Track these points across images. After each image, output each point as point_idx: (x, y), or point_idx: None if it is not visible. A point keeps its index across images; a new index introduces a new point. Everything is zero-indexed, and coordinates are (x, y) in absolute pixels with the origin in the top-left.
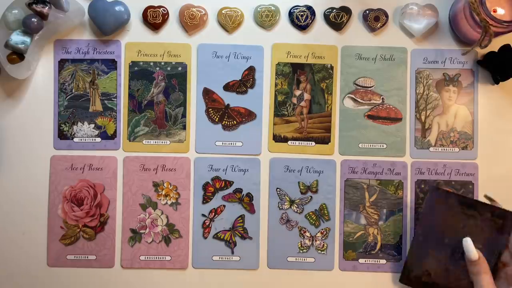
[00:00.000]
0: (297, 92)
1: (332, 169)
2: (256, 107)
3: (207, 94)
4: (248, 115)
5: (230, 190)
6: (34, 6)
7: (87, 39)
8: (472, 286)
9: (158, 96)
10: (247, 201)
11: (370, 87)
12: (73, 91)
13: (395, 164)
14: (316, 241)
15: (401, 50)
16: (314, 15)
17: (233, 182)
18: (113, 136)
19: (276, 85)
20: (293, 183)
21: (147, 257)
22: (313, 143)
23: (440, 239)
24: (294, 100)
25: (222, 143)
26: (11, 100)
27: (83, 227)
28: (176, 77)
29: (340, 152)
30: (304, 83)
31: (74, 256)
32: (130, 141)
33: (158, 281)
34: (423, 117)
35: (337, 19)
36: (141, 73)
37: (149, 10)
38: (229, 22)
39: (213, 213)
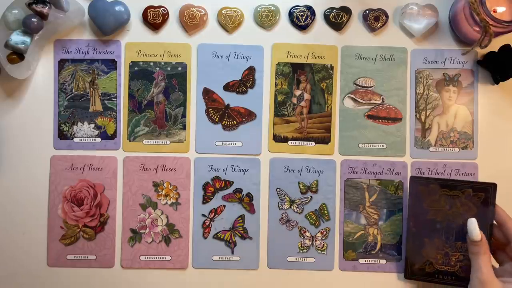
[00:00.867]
0: (297, 92)
1: (332, 169)
2: (256, 107)
3: (207, 94)
4: (248, 115)
5: (230, 190)
6: (34, 6)
7: (87, 39)
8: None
9: (158, 96)
10: (247, 201)
11: (370, 87)
12: (73, 91)
13: (395, 164)
14: (316, 241)
15: (401, 50)
16: (314, 15)
17: (233, 182)
18: (113, 136)
19: (276, 85)
20: (293, 183)
21: (147, 257)
22: (313, 143)
23: (432, 226)
24: (294, 100)
25: (222, 143)
26: (11, 100)
27: (83, 227)
28: (176, 77)
29: (340, 152)
30: (304, 83)
31: (74, 256)
32: (130, 141)
33: (158, 281)
34: (423, 117)
35: (337, 19)
36: (141, 73)
37: (149, 10)
38: (229, 22)
39: (213, 213)
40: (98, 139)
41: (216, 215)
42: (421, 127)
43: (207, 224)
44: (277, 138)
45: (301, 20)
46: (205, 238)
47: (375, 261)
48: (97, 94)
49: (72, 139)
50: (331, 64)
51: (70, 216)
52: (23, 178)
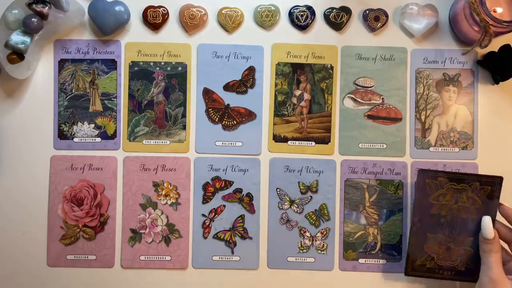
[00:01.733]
0: (297, 92)
1: (332, 169)
2: (256, 107)
3: (207, 94)
4: (248, 115)
5: (230, 190)
6: (34, 6)
7: (87, 39)
8: (472, 256)
9: (158, 96)
10: (247, 201)
11: (370, 87)
12: (73, 91)
13: (395, 164)
14: (316, 241)
15: (401, 50)
16: (314, 15)
17: (233, 182)
18: (113, 136)
19: (276, 85)
20: (293, 183)
21: (147, 257)
22: (313, 143)
23: (436, 220)
24: (294, 100)
25: (222, 143)
26: (11, 100)
27: (83, 227)
28: (176, 77)
29: (340, 152)
30: (304, 83)
31: (74, 256)
32: (130, 141)
33: (158, 281)
34: (423, 117)
35: (337, 19)
36: (141, 73)
37: (149, 10)
38: (229, 22)
39: (213, 213)
40: (98, 139)
41: (216, 215)
42: (421, 127)
43: (207, 224)
44: (277, 138)
45: (301, 20)
46: (205, 238)
47: (375, 261)
48: (97, 94)
49: (72, 139)
50: (331, 64)
51: (70, 216)
52: (23, 178)
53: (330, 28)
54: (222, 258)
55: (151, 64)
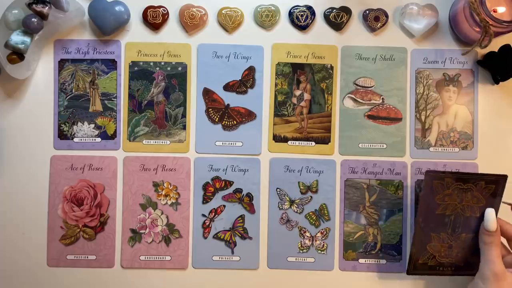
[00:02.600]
0: (297, 92)
1: (332, 169)
2: (256, 107)
3: (207, 94)
4: (248, 115)
5: (230, 190)
6: (34, 6)
7: (87, 39)
8: (472, 251)
9: (158, 96)
10: (247, 201)
11: (370, 87)
12: (73, 91)
13: (395, 164)
14: (316, 241)
15: (401, 50)
16: (314, 15)
17: (233, 182)
18: (113, 136)
19: (276, 85)
20: (293, 183)
21: (147, 257)
22: (313, 143)
23: (440, 220)
24: (294, 100)
25: (222, 143)
26: (11, 100)
27: (83, 227)
28: (176, 77)
29: (340, 152)
30: (304, 83)
31: (74, 256)
32: (130, 141)
33: (158, 281)
34: (423, 117)
35: (337, 19)
36: (141, 73)
37: (149, 10)
38: (229, 22)
39: (213, 213)
40: (98, 139)
41: (216, 215)
42: (421, 127)
43: (207, 224)
44: (277, 138)
45: (301, 20)
46: (205, 238)
47: (375, 261)
48: (97, 94)
49: (72, 139)
50: (331, 64)
51: (70, 216)
52: (23, 178)
53: (330, 28)
54: (222, 258)
55: (151, 64)
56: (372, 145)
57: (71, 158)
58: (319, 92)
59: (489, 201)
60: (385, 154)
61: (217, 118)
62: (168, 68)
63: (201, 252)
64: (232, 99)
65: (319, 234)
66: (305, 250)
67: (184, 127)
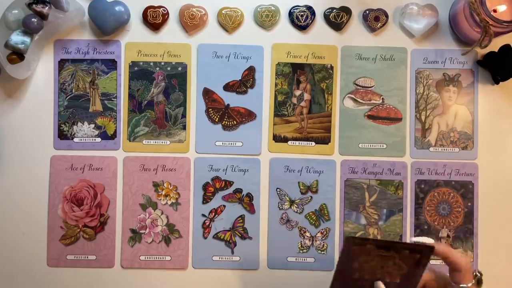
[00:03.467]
0: (297, 92)
1: (332, 169)
2: (256, 107)
3: (207, 94)
4: (248, 115)
5: (230, 190)
6: (34, 6)
7: (87, 39)
8: None
9: (158, 96)
10: (247, 201)
11: (370, 87)
12: (73, 91)
13: (395, 164)
14: (316, 241)
15: (401, 50)
16: (314, 15)
17: (233, 182)
18: (113, 136)
19: (276, 85)
20: (293, 183)
21: (147, 257)
22: (313, 143)
23: (358, 284)
24: (294, 100)
25: (222, 143)
26: (11, 100)
27: (83, 227)
28: (176, 77)
29: (340, 152)
30: (304, 83)
31: (74, 256)
32: (130, 141)
33: (158, 281)
34: (423, 117)
35: (337, 19)
36: (141, 73)
37: (149, 10)
38: (229, 22)
39: (213, 213)
40: (98, 139)
41: (216, 215)
42: (421, 127)
43: (207, 224)
44: (277, 138)
45: (301, 20)
46: (205, 238)
47: None
48: (97, 94)
49: (72, 139)
50: (331, 64)
51: (70, 216)
52: (23, 178)
53: (330, 28)
54: (222, 258)
55: (151, 64)
56: (372, 145)
57: (71, 158)
58: (319, 92)
59: (411, 270)
60: (385, 154)
61: (217, 118)
62: (168, 68)
63: (201, 252)
64: (232, 99)
65: (319, 234)
66: (305, 250)
67: (184, 127)
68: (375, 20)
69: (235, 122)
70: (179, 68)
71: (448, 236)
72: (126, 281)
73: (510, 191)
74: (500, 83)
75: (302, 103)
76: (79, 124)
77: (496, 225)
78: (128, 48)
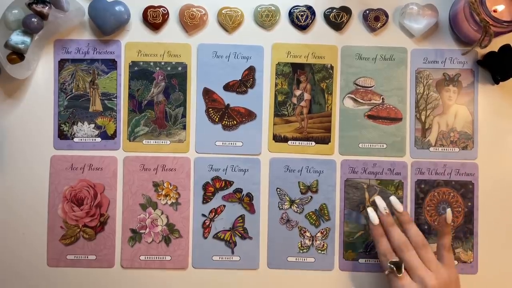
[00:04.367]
0: (297, 92)
1: (332, 169)
2: (256, 107)
3: (207, 94)
4: (248, 115)
5: (230, 190)
6: (34, 6)
7: (87, 39)
8: None
9: (158, 96)
10: (247, 201)
11: (370, 87)
12: (73, 91)
13: (395, 164)
14: (316, 241)
15: (401, 50)
16: (314, 15)
17: (233, 182)
18: (113, 136)
19: (276, 85)
20: (293, 183)
21: (147, 257)
22: (313, 143)
23: None
24: (294, 100)
25: (222, 143)
26: (11, 100)
27: (83, 227)
28: (176, 77)
29: (340, 152)
30: (304, 83)
31: (74, 256)
32: (130, 141)
33: (158, 281)
34: (423, 117)
35: (337, 19)
36: (141, 73)
37: (149, 10)
38: (229, 22)
39: (213, 213)
40: (98, 139)
41: (216, 215)
42: (421, 127)
43: (207, 224)
44: (277, 138)
45: (301, 20)
46: (205, 238)
47: (375, 261)
48: (97, 94)
49: (72, 139)
50: (331, 64)
51: (70, 216)
52: (23, 178)
53: (330, 28)
54: (222, 258)
55: (151, 64)
56: (372, 145)
57: (71, 158)
58: (319, 92)
59: None
60: (385, 154)
61: (217, 118)
62: (168, 68)
63: (201, 252)
64: (232, 99)
65: (319, 234)
66: (305, 250)
67: (184, 127)
68: (375, 20)
69: (235, 122)
70: (179, 68)
71: None
72: (126, 281)
73: (510, 191)
74: (500, 83)
75: (302, 103)
76: (79, 124)
77: (496, 225)
78: (128, 48)
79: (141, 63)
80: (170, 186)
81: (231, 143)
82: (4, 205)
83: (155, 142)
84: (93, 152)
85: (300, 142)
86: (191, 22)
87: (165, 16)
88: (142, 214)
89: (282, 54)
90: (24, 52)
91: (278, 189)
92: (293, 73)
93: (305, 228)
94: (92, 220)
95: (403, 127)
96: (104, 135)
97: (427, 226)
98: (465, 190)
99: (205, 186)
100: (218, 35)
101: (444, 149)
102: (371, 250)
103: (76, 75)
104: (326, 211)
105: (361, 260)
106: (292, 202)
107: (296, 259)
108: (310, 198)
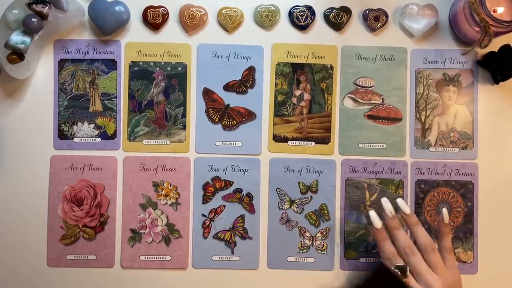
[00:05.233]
0: (297, 92)
1: (332, 169)
2: (256, 107)
3: (207, 94)
4: (248, 115)
5: (230, 190)
6: (34, 6)
7: (87, 39)
8: None
9: (158, 96)
10: (247, 201)
11: (370, 87)
12: (73, 91)
13: (395, 163)
14: (316, 241)
15: (401, 50)
16: (314, 15)
17: (233, 182)
18: (113, 136)
19: (276, 85)
20: (293, 183)
21: (147, 257)
22: (313, 143)
23: None
24: (294, 100)
25: (222, 143)
26: (11, 100)
27: (83, 227)
28: (176, 77)
29: (340, 152)
30: (304, 83)
31: (74, 256)
32: (130, 141)
33: (158, 281)
34: (423, 117)
35: (337, 19)
36: (141, 73)
37: (149, 10)
38: (229, 22)
39: (213, 213)
40: (98, 139)
41: (216, 215)
42: (421, 127)
43: (207, 224)
44: (277, 138)
45: (301, 20)
46: (205, 238)
47: (376, 261)
48: (97, 94)
49: (72, 139)
50: (331, 64)
51: (70, 216)
52: (23, 178)
53: (330, 28)
54: (222, 258)
55: (151, 64)
56: (372, 145)
57: (71, 158)
58: (319, 92)
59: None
60: (385, 154)
61: (217, 118)
62: (168, 68)
63: (201, 252)
64: (232, 99)
65: (319, 234)
66: (305, 250)
67: (184, 127)
68: (375, 20)
69: (235, 122)
70: (179, 68)
71: None
72: (126, 281)
73: (510, 191)
74: (500, 83)
75: (302, 103)
76: (79, 124)
77: (496, 225)
78: (128, 48)
79: (141, 63)
80: (170, 186)
81: (231, 143)
82: (4, 205)
83: (155, 142)
84: (93, 152)
85: (300, 142)
86: (191, 22)
87: (165, 16)
88: (142, 214)
89: (282, 54)
90: (24, 52)
91: (278, 189)
92: (293, 73)
93: (305, 228)
94: (92, 220)
95: (403, 127)
96: (104, 135)
97: (427, 226)
98: (465, 190)
99: (205, 186)
100: (218, 35)
101: (444, 149)
102: (372, 250)
103: (76, 75)
104: (326, 211)
105: (362, 260)
106: (292, 202)
107: (296, 259)
108: (310, 198)
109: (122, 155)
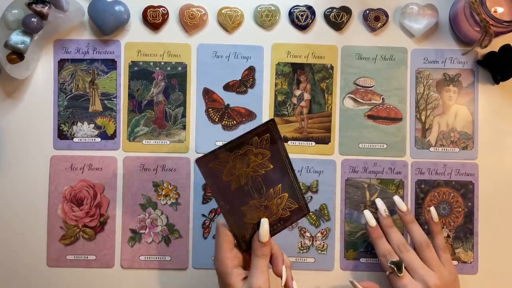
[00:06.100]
0: (297, 92)
1: (332, 169)
2: (256, 107)
3: (207, 94)
4: (248, 115)
5: None
6: (34, 6)
7: (87, 39)
8: (290, 198)
9: (158, 96)
10: None
11: (370, 87)
12: (73, 91)
13: (395, 163)
14: (316, 241)
15: (401, 50)
16: (314, 15)
17: None
18: (113, 136)
19: (276, 85)
20: None
21: (147, 257)
22: (313, 143)
23: (241, 193)
24: (294, 100)
25: (222, 143)
26: (11, 100)
27: (83, 227)
28: (176, 77)
29: (340, 152)
30: (304, 83)
31: (74, 256)
32: (130, 141)
33: (158, 281)
34: (423, 117)
35: (337, 19)
36: (141, 73)
37: (149, 10)
38: (229, 22)
39: (213, 213)
40: (98, 139)
41: (216, 215)
42: (421, 127)
43: (207, 224)
44: None
45: (301, 20)
46: (205, 238)
47: (376, 261)
48: (97, 94)
49: (72, 139)
50: (331, 64)
51: (70, 216)
52: (23, 178)
53: (330, 28)
54: None
55: (151, 64)
56: (372, 145)
57: (71, 158)
58: (319, 92)
59: (272, 149)
60: (385, 154)
61: (217, 118)
62: (168, 68)
63: (201, 252)
64: (232, 99)
65: (319, 234)
66: (305, 250)
67: (184, 127)
68: (375, 20)
69: (235, 122)
70: (179, 68)
71: (448, 236)
72: (126, 281)
73: (511, 191)
74: (500, 83)
75: (302, 103)
76: (79, 124)
77: (496, 225)
78: (128, 48)
79: (141, 63)
80: (170, 186)
81: None
82: (4, 205)
83: (155, 142)
84: (93, 152)
85: (300, 142)
86: (191, 22)
87: (165, 16)
88: (142, 214)
89: (282, 54)
90: (23, 52)
91: None
92: (293, 73)
93: (305, 228)
94: (92, 220)
95: (403, 127)
96: (104, 135)
97: (427, 226)
98: (465, 190)
99: (205, 186)
100: (218, 35)
101: (444, 149)
102: (372, 250)
103: (75, 75)
104: (326, 211)
105: (362, 260)
106: None
107: (296, 259)
108: (310, 198)
109: (122, 155)
